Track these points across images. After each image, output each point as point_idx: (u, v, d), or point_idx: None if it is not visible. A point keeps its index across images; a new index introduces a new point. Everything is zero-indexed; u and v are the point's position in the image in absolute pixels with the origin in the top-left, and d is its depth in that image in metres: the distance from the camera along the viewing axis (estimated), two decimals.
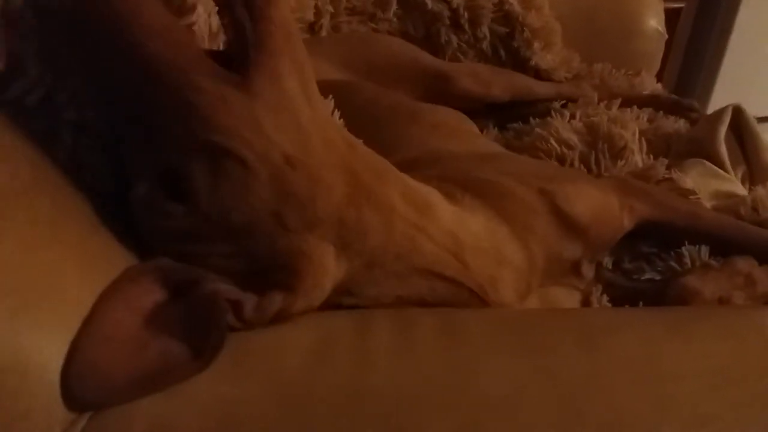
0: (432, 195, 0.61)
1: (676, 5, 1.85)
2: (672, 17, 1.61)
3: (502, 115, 1.19)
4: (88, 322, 0.41)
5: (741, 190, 0.92)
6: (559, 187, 0.69)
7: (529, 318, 0.53)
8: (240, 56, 0.46)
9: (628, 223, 0.77)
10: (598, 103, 1.16)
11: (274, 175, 0.46)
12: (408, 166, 0.68)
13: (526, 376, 0.43)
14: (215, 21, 0.59)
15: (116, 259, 0.46)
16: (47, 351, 0.38)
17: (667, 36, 1.41)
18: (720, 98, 1.78)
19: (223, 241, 0.47)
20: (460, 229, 0.59)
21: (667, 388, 0.42)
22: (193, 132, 0.44)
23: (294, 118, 0.47)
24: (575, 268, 0.72)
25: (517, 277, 0.63)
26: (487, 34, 1.25)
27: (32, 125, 0.48)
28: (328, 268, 0.49)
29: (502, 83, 1.17)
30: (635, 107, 1.15)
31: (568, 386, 0.42)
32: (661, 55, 1.42)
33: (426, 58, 1.18)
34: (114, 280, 0.44)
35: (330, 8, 1.22)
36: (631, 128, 0.97)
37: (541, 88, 1.23)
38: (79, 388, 0.39)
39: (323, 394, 0.41)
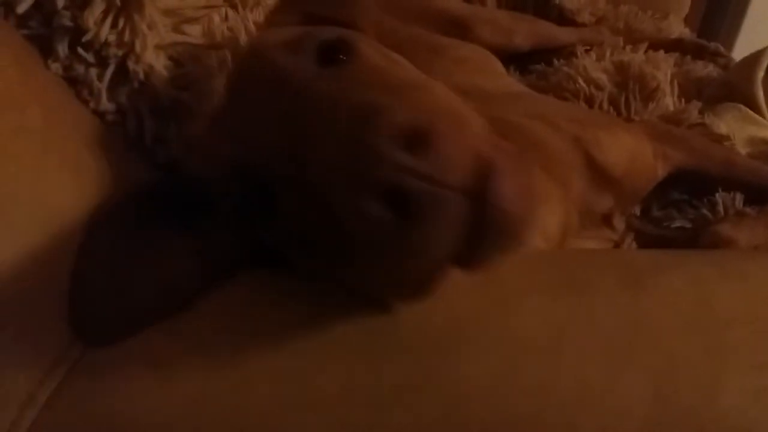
0: None
1: None
2: None
3: (523, 58, 1.13)
4: (82, 252, 0.38)
5: None
6: (593, 135, 0.65)
7: (566, 256, 0.49)
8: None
9: (661, 171, 0.73)
10: (624, 47, 1.10)
11: None
12: None
13: (567, 317, 0.39)
14: None
15: (108, 176, 0.42)
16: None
17: None
18: (745, 43, 1.69)
19: None
20: None
21: (722, 333, 0.38)
22: None
23: None
24: (607, 221, 0.68)
25: (551, 240, 0.58)
26: None
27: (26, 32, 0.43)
28: None
29: (523, 31, 1.10)
30: (662, 51, 1.09)
31: (614, 328, 0.38)
32: None
33: (447, 1, 1.11)
34: (111, 200, 0.40)
35: None
36: (664, 69, 0.91)
37: (563, 34, 1.16)
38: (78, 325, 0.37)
39: (338, 330, 0.37)
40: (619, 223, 0.71)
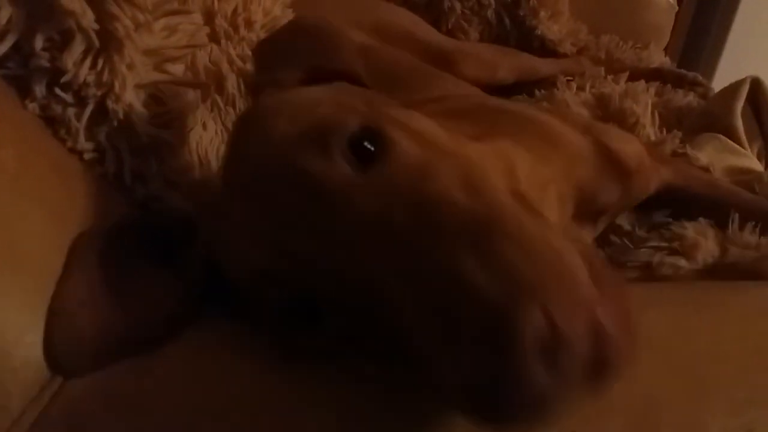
0: (509, 150, 0.49)
1: None
2: None
3: (505, 88, 1.14)
4: (61, 284, 0.38)
5: (757, 166, 0.88)
6: (603, 127, 0.65)
7: None
8: None
9: (654, 184, 0.72)
10: (605, 77, 1.12)
11: None
12: (434, 101, 0.64)
13: None
14: None
15: (85, 216, 0.41)
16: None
17: (677, 8, 1.37)
18: (725, 73, 1.72)
19: None
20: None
21: (701, 371, 0.38)
22: None
23: None
24: (594, 218, 0.66)
25: None
26: (492, 2, 1.20)
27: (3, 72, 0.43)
28: None
29: (506, 65, 1.12)
30: (643, 81, 1.11)
31: None
32: (671, 27, 1.37)
33: (430, 35, 1.13)
34: (85, 234, 0.40)
35: None
36: (643, 101, 0.93)
37: (545, 66, 1.19)
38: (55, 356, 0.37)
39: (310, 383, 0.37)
40: (600, 226, 0.70)
